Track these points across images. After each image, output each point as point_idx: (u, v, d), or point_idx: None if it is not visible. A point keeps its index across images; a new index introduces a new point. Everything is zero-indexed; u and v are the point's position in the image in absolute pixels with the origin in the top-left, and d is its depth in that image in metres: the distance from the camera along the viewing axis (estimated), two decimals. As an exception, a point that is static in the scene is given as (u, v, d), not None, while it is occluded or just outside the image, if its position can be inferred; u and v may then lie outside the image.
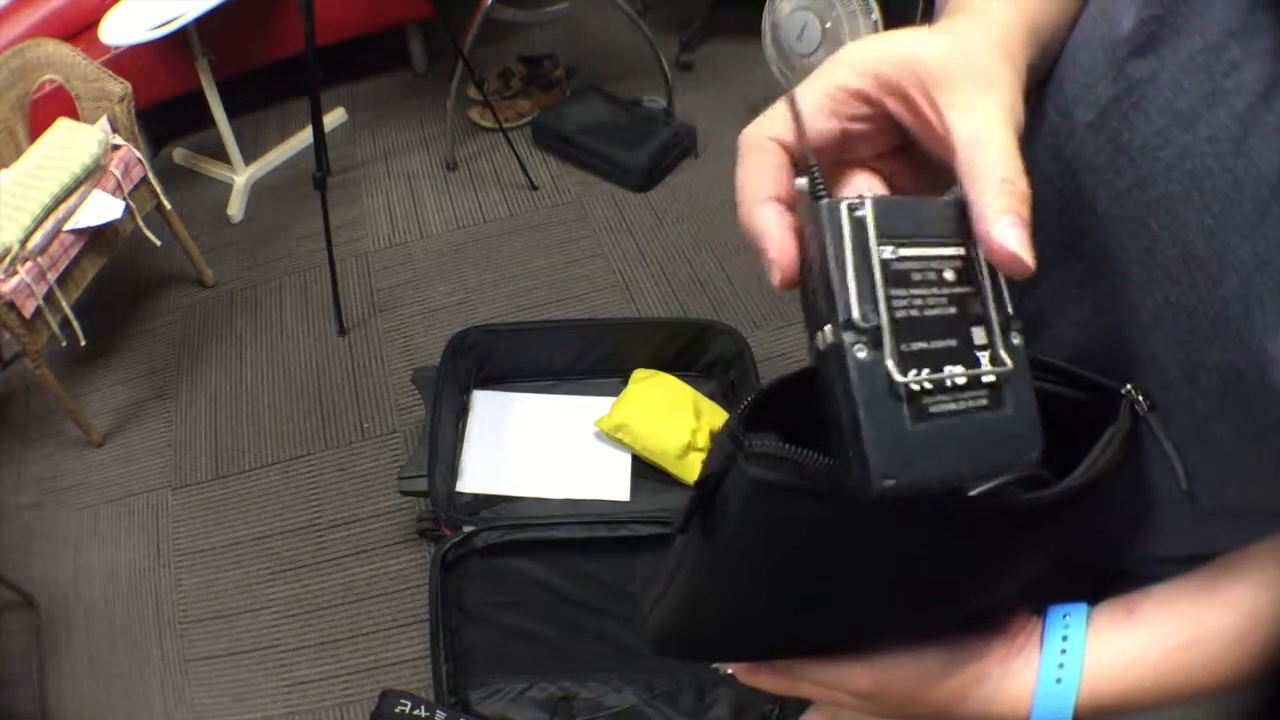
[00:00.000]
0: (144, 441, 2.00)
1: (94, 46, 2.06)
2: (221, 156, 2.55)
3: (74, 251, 1.82)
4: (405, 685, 1.52)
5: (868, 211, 0.31)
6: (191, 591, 1.74)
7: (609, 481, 1.59)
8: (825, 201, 0.31)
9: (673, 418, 1.58)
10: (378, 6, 2.64)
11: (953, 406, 0.31)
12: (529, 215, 2.42)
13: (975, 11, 0.40)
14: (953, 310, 0.32)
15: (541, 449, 1.64)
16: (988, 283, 0.32)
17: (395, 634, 1.64)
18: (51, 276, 1.76)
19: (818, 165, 0.33)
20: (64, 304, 1.81)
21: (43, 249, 1.74)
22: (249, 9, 2.35)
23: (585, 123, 2.52)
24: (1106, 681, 0.43)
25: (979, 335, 0.32)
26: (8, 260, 1.68)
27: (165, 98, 2.47)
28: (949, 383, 0.31)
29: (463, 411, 1.67)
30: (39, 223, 1.74)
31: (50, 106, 2.01)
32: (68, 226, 1.79)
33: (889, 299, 0.30)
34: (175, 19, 2.00)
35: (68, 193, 1.79)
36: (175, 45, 2.23)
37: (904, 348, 0.30)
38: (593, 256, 2.28)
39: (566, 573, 1.43)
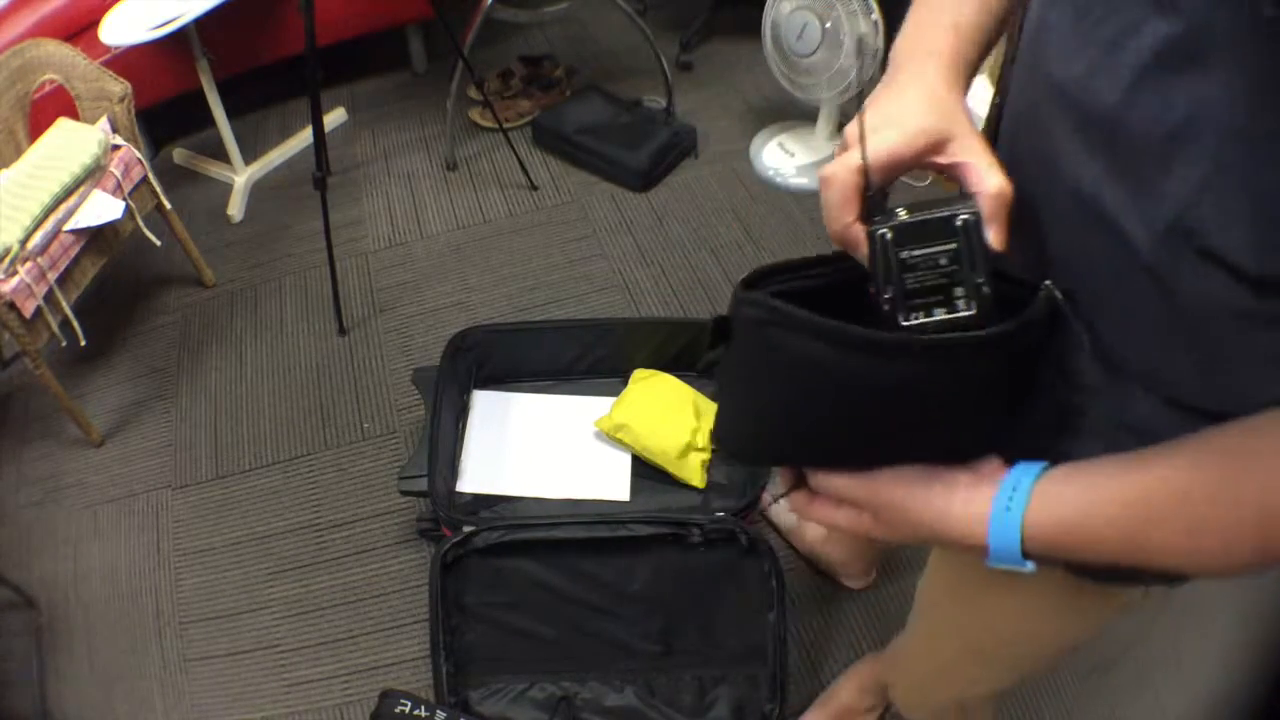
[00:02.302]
0: (144, 441, 2.00)
1: (94, 46, 2.06)
2: (221, 156, 2.55)
3: (74, 251, 1.82)
4: (405, 685, 1.52)
5: (888, 232, 0.52)
6: (191, 591, 1.74)
7: (609, 481, 1.59)
8: (869, 228, 0.53)
9: (673, 418, 1.58)
10: (378, 6, 2.64)
11: (934, 318, 0.52)
12: (529, 215, 2.42)
13: (926, 57, 0.59)
14: (945, 280, 0.52)
15: (541, 449, 1.64)
16: (967, 259, 0.51)
17: (395, 634, 1.64)
18: (51, 276, 1.77)
19: (874, 197, 0.53)
20: (64, 304, 1.81)
21: (43, 249, 1.74)
22: (249, 9, 2.35)
23: (585, 123, 2.52)
24: (1050, 515, 0.53)
25: (960, 292, 0.52)
26: (8, 260, 1.68)
27: (165, 98, 2.47)
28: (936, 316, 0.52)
29: (463, 411, 1.67)
30: (39, 223, 1.74)
31: (50, 106, 2.01)
32: (68, 226, 1.79)
33: (902, 279, 0.52)
34: (175, 19, 2.00)
35: (68, 193, 1.79)
36: (175, 45, 2.23)
37: (909, 303, 0.52)
38: (593, 256, 2.28)
39: (566, 573, 1.43)
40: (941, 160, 0.55)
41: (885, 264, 0.51)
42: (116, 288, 2.29)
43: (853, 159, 0.53)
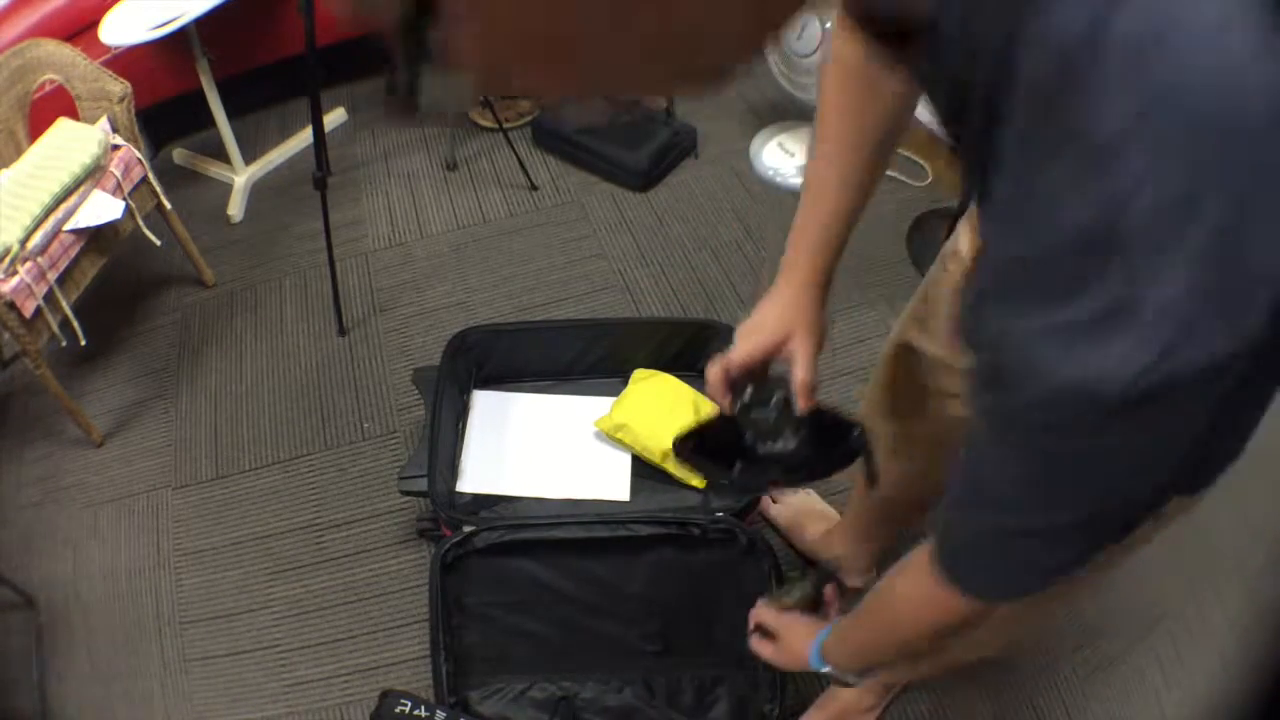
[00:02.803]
0: (144, 441, 2.00)
1: (94, 46, 2.06)
2: (221, 156, 2.55)
3: (74, 251, 1.82)
4: (405, 685, 1.52)
5: (749, 401, 0.88)
6: (191, 591, 1.74)
7: (609, 481, 1.59)
8: (737, 401, 0.89)
9: (673, 418, 1.58)
10: (378, 6, 2.64)
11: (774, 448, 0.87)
12: (529, 215, 2.42)
13: (789, 271, 0.89)
14: (778, 426, 0.86)
15: (541, 449, 1.64)
16: (788, 418, 0.86)
17: (395, 634, 1.64)
18: (51, 276, 1.77)
19: (740, 379, 0.90)
20: (64, 304, 1.81)
21: (43, 249, 1.74)
22: (249, 9, 2.35)
23: (585, 123, 2.51)
24: (830, 656, 0.87)
25: (788, 433, 0.86)
26: (8, 260, 1.68)
27: (165, 98, 2.47)
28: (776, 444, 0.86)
29: (463, 411, 1.67)
30: (39, 223, 1.74)
31: (50, 106, 2.01)
32: (68, 226, 1.79)
33: (754, 421, 0.87)
34: (175, 19, 2.01)
35: (68, 193, 1.79)
36: (175, 45, 2.23)
37: (761, 439, 0.87)
38: (593, 256, 2.28)
39: (566, 573, 1.43)
40: (783, 353, 0.89)
41: (745, 418, 0.87)
42: (116, 288, 2.28)
43: (722, 360, 0.89)
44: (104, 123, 1.92)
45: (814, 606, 0.95)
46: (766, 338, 0.88)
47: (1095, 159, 0.38)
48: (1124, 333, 0.39)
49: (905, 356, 1.13)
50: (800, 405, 0.86)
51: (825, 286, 0.88)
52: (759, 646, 0.97)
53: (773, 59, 2.28)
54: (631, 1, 0.33)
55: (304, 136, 2.63)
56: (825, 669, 0.86)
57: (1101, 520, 0.53)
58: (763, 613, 0.94)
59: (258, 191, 2.57)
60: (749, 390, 0.88)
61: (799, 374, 0.87)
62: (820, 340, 0.88)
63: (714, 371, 0.89)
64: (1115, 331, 0.40)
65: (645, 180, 2.43)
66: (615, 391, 1.69)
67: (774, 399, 0.87)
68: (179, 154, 2.68)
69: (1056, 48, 0.37)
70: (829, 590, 0.97)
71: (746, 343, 0.89)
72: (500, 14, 0.33)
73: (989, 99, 0.43)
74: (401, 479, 1.52)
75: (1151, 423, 0.43)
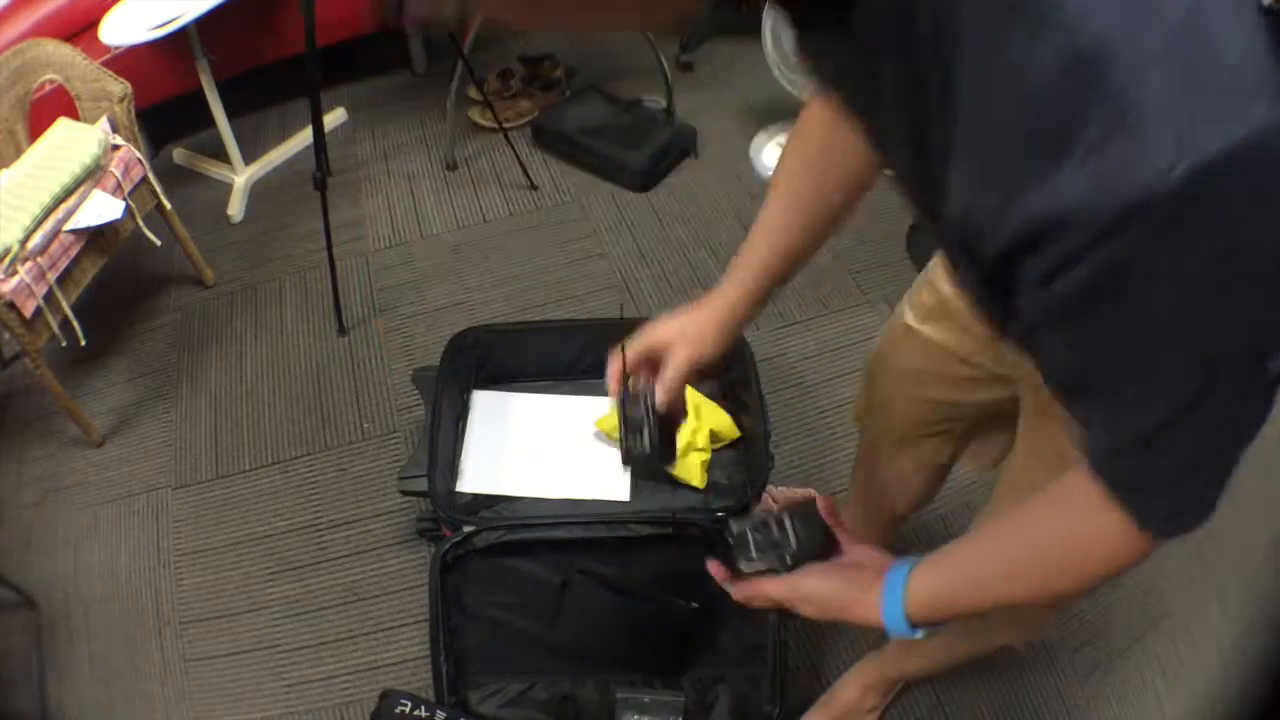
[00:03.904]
0: (144, 441, 2.00)
1: (94, 46, 2.06)
2: (221, 156, 2.55)
3: (74, 251, 1.82)
4: (405, 685, 1.52)
5: (625, 397, 0.92)
6: (191, 591, 1.74)
7: (609, 481, 1.59)
8: (622, 396, 0.93)
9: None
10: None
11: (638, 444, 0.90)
12: (529, 215, 2.42)
13: (720, 287, 0.91)
14: (644, 415, 0.90)
15: (541, 449, 1.63)
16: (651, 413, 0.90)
17: (395, 634, 1.64)
18: (51, 276, 1.77)
19: (631, 379, 0.93)
20: (64, 304, 1.81)
21: (43, 249, 1.74)
22: (249, 9, 2.35)
23: (585, 123, 2.52)
24: (921, 599, 0.71)
25: (649, 425, 0.90)
26: (8, 260, 1.68)
27: (165, 98, 2.47)
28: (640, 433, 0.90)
29: (463, 411, 1.66)
30: (39, 223, 1.74)
31: (50, 106, 2.01)
32: (68, 226, 1.79)
33: (626, 417, 0.91)
34: (175, 19, 2.01)
35: (68, 193, 1.79)
36: (175, 45, 2.23)
37: (626, 427, 0.91)
38: (593, 256, 2.28)
39: (566, 573, 1.43)
40: (662, 355, 0.92)
41: (621, 411, 0.92)
42: (116, 288, 2.29)
43: (619, 352, 0.92)
44: (104, 123, 1.92)
45: (823, 553, 0.79)
46: (654, 338, 0.91)
47: (1042, 11, 0.41)
48: (1131, 139, 0.40)
49: (901, 352, 1.12)
50: (658, 403, 0.89)
51: (745, 314, 0.90)
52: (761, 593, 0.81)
53: (773, 59, 2.28)
54: None
55: (304, 136, 2.63)
56: (906, 631, 0.71)
57: (1233, 381, 0.49)
58: (769, 587, 0.79)
59: (258, 191, 2.57)
60: (630, 384, 0.92)
61: (664, 374, 0.90)
62: (698, 357, 0.89)
63: (614, 361, 0.91)
64: (1124, 142, 0.40)
65: (645, 180, 2.43)
66: (615, 391, 1.69)
67: (645, 399, 0.90)
68: (179, 154, 2.68)
69: None
70: (824, 506, 0.80)
71: (640, 337, 0.92)
72: None
73: (937, 34, 0.45)
74: (401, 479, 1.52)
75: (1218, 231, 0.42)
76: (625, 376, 0.91)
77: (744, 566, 0.80)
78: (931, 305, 1.05)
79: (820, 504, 0.80)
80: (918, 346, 1.07)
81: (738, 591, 0.82)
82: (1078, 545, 0.63)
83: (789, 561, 0.78)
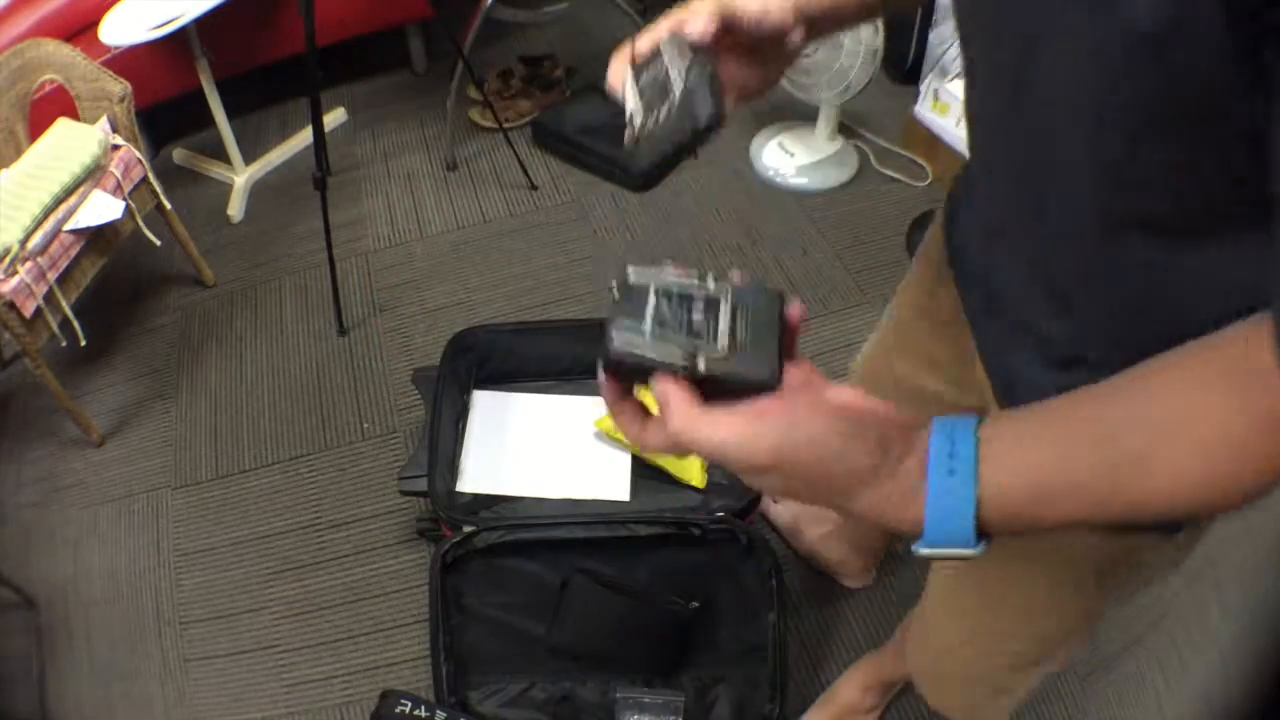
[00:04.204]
0: (144, 441, 2.00)
1: (94, 46, 2.06)
2: (221, 156, 2.55)
3: (74, 251, 1.82)
4: (405, 685, 1.52)
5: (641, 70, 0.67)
6: (191, 591, 1.74)
7: (609, 481, 1.59)
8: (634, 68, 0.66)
9: (673, 418, 1.58)
10: (378, 6, 2.64)
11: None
12: (529, 215, 2.42)
13: None
14: (681, 66, 0.63)
15: (541, 449, 1.63)
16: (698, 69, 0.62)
17: (395, 634, 1.64)
18: (51, 276, 1.76)
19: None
20: (64, 304, 1.81)
21: (43, 249, 1.74)
22: (249, 9, 2.35)
23: (585, 123, 2.51)
24: (1010, 471, 0.41)
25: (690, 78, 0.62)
26: (8, 260, 1.68)
27: (165, 98, 2.47)
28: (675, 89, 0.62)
29: (463, 411, 1.67)
30: (39, 223, 1.74)
31: (50, 106, 2.01)
32: (68, 226, 1.79)
33: (641, 88, 0.66)
34: (175, 19, 2.00)
35: (68, 193, 1.79)
36: (175, 45, 2.23)
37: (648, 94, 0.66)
38: (593, 257, 2.28)
39: (567, 573, 1.43)
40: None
41: (635, 79, 0.68)
42: (116, 288, 2.29)
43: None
44: (104, 123, 1.92)
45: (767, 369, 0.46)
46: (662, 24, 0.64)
47: None
48: None
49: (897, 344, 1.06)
50: (691, 31, 0.61)
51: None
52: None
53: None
54: None
55: (304, 136, 2.63)
56: (966, 542, 0.42)
57: None
58: (685, 421, 0.46)
59: (258, 191, 2.57)
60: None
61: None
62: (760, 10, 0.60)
63: (616, 59, 0.68)
64: None
65: (645, 180, 2.42)
66: (615, 391, 1.69)
67: (677, 52, 0.62)
68: (179, 154, 2.68)
69: None
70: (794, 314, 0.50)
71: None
72: None
73: None
74: (401, 479, 1.52)
75: None
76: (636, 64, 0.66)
77: (617, 347, 0.47)
78: (891, 343, 1.01)
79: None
80: (890, 382, 1.02)
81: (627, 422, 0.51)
82: (1254, 427, 0.40)
83: (711, 349, 0.46)
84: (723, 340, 0.46)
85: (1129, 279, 0.57)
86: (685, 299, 0.48)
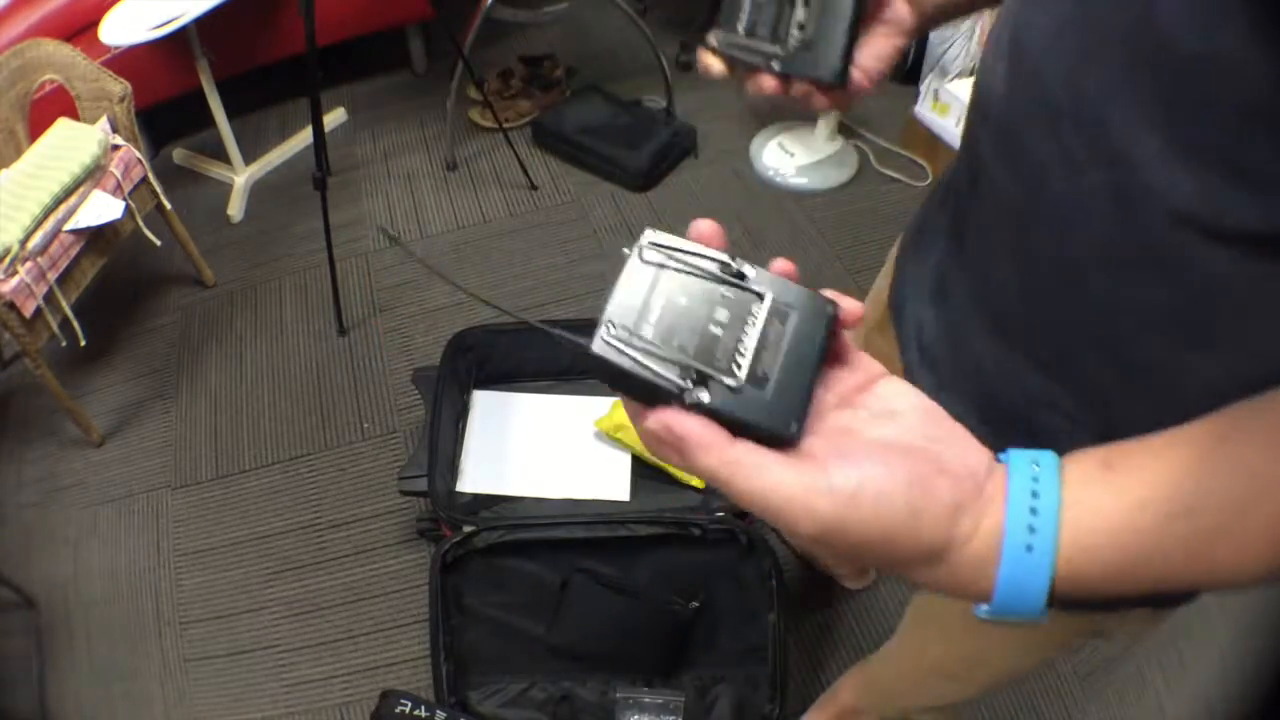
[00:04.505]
0: (144, 441, 2.00)
1: (94, 46, 2.06)
2: (221, 156, 2.55)
3: (74, 251, 1.82)
4: (405, 685, 1.52)
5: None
6: (191, 591, 1.74)
7: (609, 481, 1.59)
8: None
9: (673, 418, 1.58)
10: (378, 6, 2.64)
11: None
12: (529, 215, 2.42)
13: None
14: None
15: (541, 449, 1.63)
16: None
17: (395, 634, 1.64)
18: (51, 276, 1.76)
19: None
20: (64, 304, 1.81)
21: (43, 249, 1.74)
22: (249, 9, 2.35)
23: (585, 123, 2.52)
24: (1089, 550, 0.37)
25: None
26: (8, 260, 1.68)
27: (165, 98, 2.47)
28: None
29: (463, 411, 1.67)
30: (39, 223, 1.74)
31: (50, 106, 2.01)
32: (68, 226, 1.79)
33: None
34: (175, 19, 2.00)
35: (68, 193, 1.79)
36: (175, 45, 2.23)
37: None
38: (593, 256, 2.28)
39: (567, 573, 1.43)
40: None
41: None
42: (116, 288, 2.29)
43: None
44: (104, 123, 1.92)
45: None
46: None
47: None
48: None
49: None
50: None
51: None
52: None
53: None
54: None
55: (304, 136, 2.63)
56: (1034, 611, 0.38)
57: None
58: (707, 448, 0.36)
59: (258, 191, 2.57)
60: None
61: None
62: None
63: None
64: None
65: (645, 180, 2.43)
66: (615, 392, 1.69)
67: None
68: (179, 154, 2.68)
69: None
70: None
71: None
72: None
73: None
74: (401, 479, 1.52)
75: None
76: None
77: (599, 348, 0.38)
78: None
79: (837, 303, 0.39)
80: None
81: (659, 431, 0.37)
82: None
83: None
84: (744, 364, 0.36)
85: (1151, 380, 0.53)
86: (706, 295, 0.38)
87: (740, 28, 0.54)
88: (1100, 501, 0.38)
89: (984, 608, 0.39)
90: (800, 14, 0.52)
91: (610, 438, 1.62)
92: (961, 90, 2.27)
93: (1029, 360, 0.60)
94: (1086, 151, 0.47)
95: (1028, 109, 0.51)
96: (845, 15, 0.51)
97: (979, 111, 0.59)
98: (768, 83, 0.59)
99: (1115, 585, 0.38)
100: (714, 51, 0.58)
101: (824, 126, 2.43)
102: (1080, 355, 0.56)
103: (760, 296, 0.38)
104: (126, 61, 2.18)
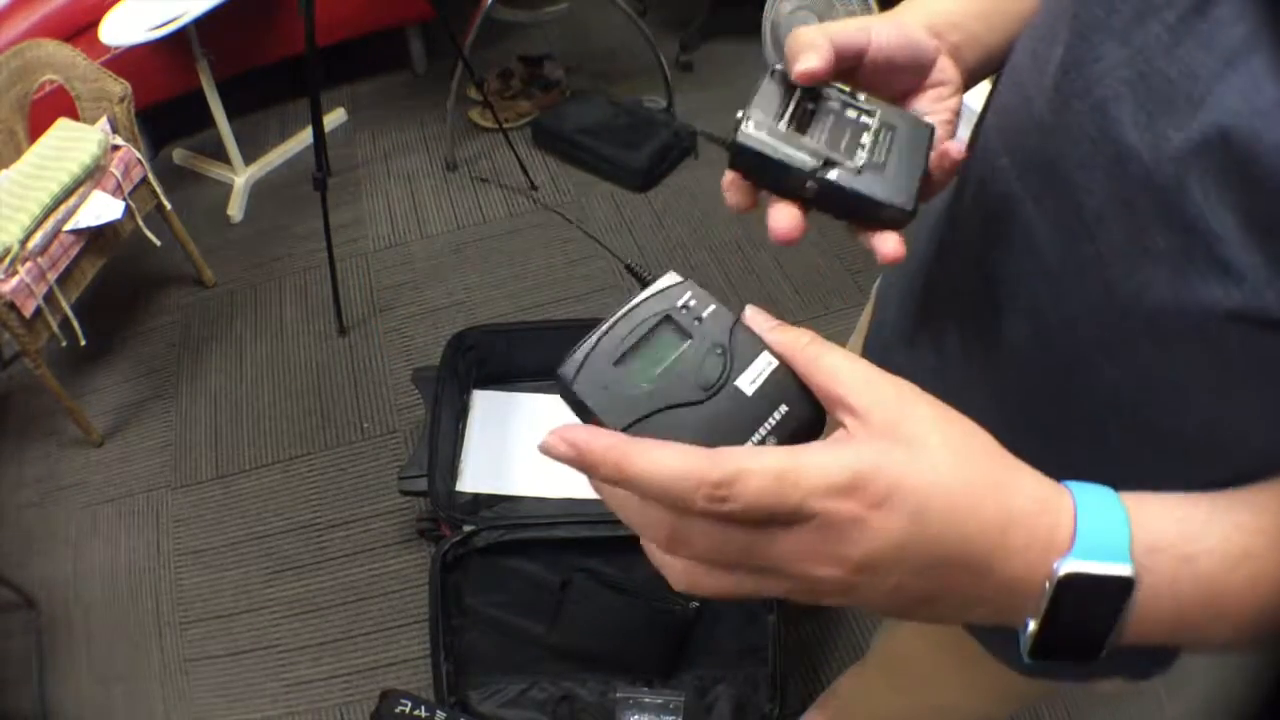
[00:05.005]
0: (144, 441, 2.00)
1: (94, 46, 2.06)
2: (221, 156, 2.55)
3: (74, 251, 1.82)
4: (405, 685, 1.52)
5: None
6: (191, 591, 1.74)
7: (609, 481, 1.59)
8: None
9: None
10: (378, 6, 2.64)
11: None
12: (529, 215, 2.42)
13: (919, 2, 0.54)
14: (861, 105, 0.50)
15: (541, 449, 1.63)
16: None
17: (395, 634, 1.64)
18: (51, 276, 1.76)
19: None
20: (64, 304, 1.81)
21: (43, 249, 1.74)
22: (249, 9, 2.35)
23: (585, 123, 2.52)
24: (1153, 617, 0.35)
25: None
26: (8, 260, 1.68)
27: (165, 98, 2.47)
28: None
29: (463, 411, 1.67)
30: (39, 223, 1.74)
31: (50, 106, 2.01)
32: (68, 226, 1.79)
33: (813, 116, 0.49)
34: (175, 19, 2.00)
35: (68, 193, 1.79)
36: (175, 45, 2.23)
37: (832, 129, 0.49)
38: (593, 256, 2.28)
39: (567, 573, 1.43)
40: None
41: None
42: (116, 288, 2.28)
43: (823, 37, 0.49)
44: (104, 123, 1.92)
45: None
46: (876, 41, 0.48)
47: None
48: None
49: None
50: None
51: (954, 36, 0.53)
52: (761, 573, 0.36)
53: (773, 59, 2.28)
54: None
55: (304, 136, 2.63)
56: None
57: None
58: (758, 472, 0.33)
59: (258, 191, 2.57)
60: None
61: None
62: (897, 36, 0.49)
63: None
64: None
65: (645, 180, 2.43)
66: (615, 391, 1.69)
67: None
68: (179, 154, 2.68)
69: None
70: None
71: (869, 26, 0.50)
72: None
73: None
74: (401, 479, 1.52)
75: None
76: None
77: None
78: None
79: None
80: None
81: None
82: None
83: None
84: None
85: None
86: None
87: (781, 124, 0.43)
88: (1166, 516, 0.38)
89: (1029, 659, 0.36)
90: (871, 129, 0.43)
91: (610, 438, 1.62)
92: (972, 98, 2.26)
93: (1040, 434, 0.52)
94: (1154, 210, 0.41)
95: (1081, 144, 0.45)
96: (923, 141, 0.44)
97: (1004, 135, 0.53)
98: (796, 218, 0.46)
99: (1170, 639, 0.37)
100: (738, 154, 0.46)
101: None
102: (1104, 425, 0.51)
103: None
104: (126, 61, 2.18)
